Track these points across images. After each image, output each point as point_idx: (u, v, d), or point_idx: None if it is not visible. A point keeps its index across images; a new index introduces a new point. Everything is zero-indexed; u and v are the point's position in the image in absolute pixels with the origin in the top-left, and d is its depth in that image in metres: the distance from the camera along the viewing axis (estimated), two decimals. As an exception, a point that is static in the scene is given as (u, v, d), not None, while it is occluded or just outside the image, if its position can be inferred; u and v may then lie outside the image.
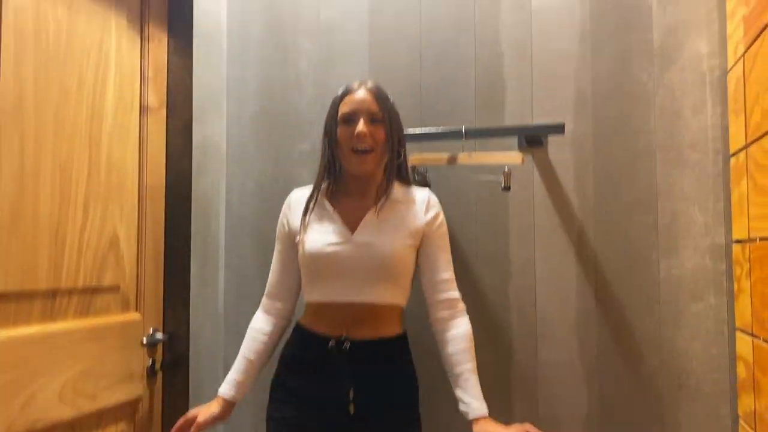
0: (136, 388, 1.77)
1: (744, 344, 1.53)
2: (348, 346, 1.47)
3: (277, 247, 1.64)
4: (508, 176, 1.69)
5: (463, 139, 1.73)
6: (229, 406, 1.55)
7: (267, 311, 1.63)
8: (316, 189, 1.58)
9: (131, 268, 1.77)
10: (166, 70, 1.94)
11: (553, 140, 1.78)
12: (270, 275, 1.64)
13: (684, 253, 1.67)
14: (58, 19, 1.53)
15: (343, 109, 1.54)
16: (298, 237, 1.56)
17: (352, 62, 1.97)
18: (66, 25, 1.56)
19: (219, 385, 1.56)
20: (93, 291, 1.63)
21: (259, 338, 1.59)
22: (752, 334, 1.47)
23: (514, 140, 1.80)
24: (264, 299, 1.64)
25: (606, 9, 1.76)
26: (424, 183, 1.85)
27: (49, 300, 1.49)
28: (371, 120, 1.52)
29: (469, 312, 1.65)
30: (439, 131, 1.79)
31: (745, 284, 1.51)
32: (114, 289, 1.70)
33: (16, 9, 1.41)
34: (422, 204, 1.59)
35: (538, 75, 1.80)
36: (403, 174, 1.62)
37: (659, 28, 1.72)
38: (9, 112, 1.38)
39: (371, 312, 1.50)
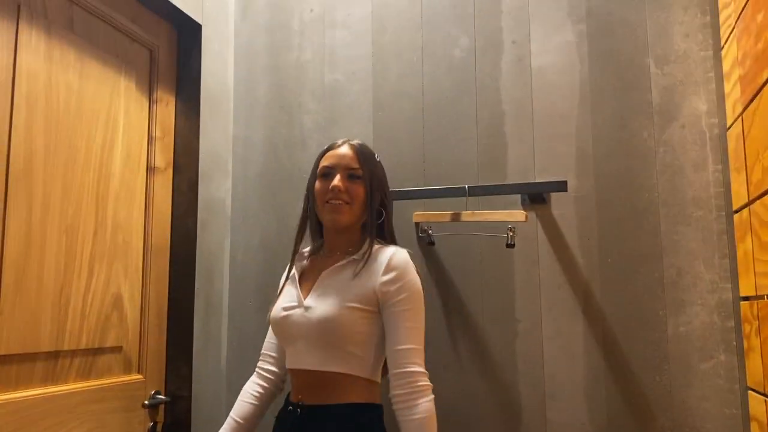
0: (136, 452, 1.73)
1: (757, 404, 1.50)
2: (299, 411, 1.42)
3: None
4: (512, 234, 1.70)
5: (467, 196, 1.74)
6: None
7: (258, 375, 1.61)
8: (294, 251, 1.57)
9: (134, 328, 1.76)
10: (173, 131, 1.97)
11: (556, 197, 1.79)
12: (266, 339, 1.65)
13: (691, 309, 1.66)
14: (69, 84, 1.57)
15: (323, 163, 1.53)
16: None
17: (356, 122, 2.00)
18: (76, 89, 1.59)
19: None
20: (95, 352, 1.61)
21: (246, 400, 1.57)
22: (764, 394, 1.44)
23: (517, 197, 1.82)
24: (258, 362, 1.63)
25: (605, 69, 1.80)
26: (428, 241, 1.86)
27: (51, 362, 1.48)
28: (349, 176, 1.50)
29: (475, 371, 1.62)
30: (442, 189, 1.80)
31: (755, 342, 1.49)
32: (116, 349, 1.69)
33: (29, 74, 1.45)
34: (382, 264, 1.44)
35: (539, 133, 1.83)
36: (385, 235, 1.56)
37: (657, 88, 1.75)
38: (18, 175, 1.40)
39: (324, 380, 1.41)
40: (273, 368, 1.60)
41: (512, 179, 1.83)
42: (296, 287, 1.50)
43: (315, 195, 1.52)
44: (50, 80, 1.51)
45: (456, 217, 1.75)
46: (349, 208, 1.49)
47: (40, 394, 1.43)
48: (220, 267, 2.00)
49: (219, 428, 1.52)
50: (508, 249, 1.76)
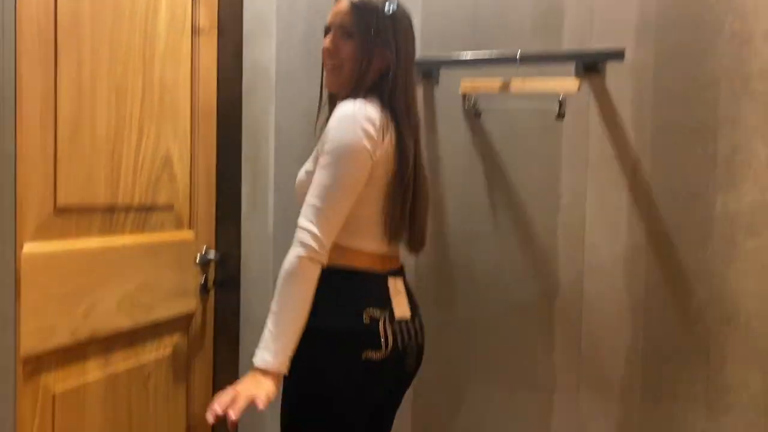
0: (189, 304, 1.84)
1: (800, 282, 1.49)
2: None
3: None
4: (563, 104, 1.65)
5: (518, 64, 1.68)
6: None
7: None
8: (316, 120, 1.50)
9: (184, 188, 1.81)
10: (217, -9, 1.92)
11: (611, 67, 1.71)
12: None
13: (743, 186, 1.61)
14: (111, -65, 1.52)
15: (327, 19, 1.43)
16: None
17: (404, -17, 1.91)
18: (119, -58, 1.55)
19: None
20: (148, 209, 1.68)
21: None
22: (810, 272, 1.42)
23: (570, 67, 1.74)
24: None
25: (677, -74, 1.65)
26: (474, 112, 1.82)
27: (108, 215, 1.55)
28: (341, 34, 1.38)
29: (514, 242, 1.64)
30: (493, 56, 1.74)
31: (807, 220, 1.46)
32: (168, 207, 1.75)
33: (70, -76, 1.41)
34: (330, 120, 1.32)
35: (599, -2, 1.72)
36: (396, 105, 1.37)
37: (734, -53, 1.61)
38: (66, 31, 1.40)
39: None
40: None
41: (567, 46, 1.75)
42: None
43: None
44: (92, -69, 1.47)
45: (505, 87, 1.70)
46: (339, 72, 1.39)
47: (98, 245, 1.51)
48: (266, 132, 2.01)
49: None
50: (557, 121, 1.72)
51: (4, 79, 1.23)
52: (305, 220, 1.27)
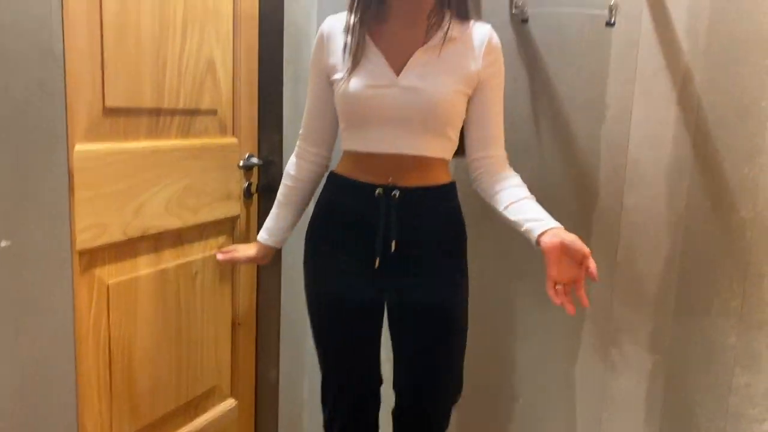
0: (233, 207, 1.90)
1: None
2: (397, 194, 1.37)
3: (311, 85, 1.49)
4: (614, 10, 1.58)
5: (568, -34, 1.61)
6: (264, 249, 1.64)
7: (300, 156, 1.54)
8: (354, 14, 1.36)
9: (227, 93, 1.83)
10: None
11: (668, -29, 1.62)
12: (304, 116, 1.54)
13: (799, 101, 1.55)
14: None
15: None
16: (334, 75, 1.40)
17: None
18: None
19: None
20: (192, 113, 1.71)
21: (289, 184, 1.57)
22: None
23: (624, -30, 1.66)
24: (298, 142, 1.56)
25: None
26: (521, 17, 1.77)
27: (154, 118, 1.59)
28: None
29: (556, 154, 1.62)
30: (543, -42, 1.67)
31: None
32: (212, 112, 1.78)
33: None
34: (481, 44, 1.36)
35: None
36: (460, 5, 1.39)
37: None
38: (108, -72, 1.39)
39: (419, 163, 1.38)
40: (317, 149, 1.53)
41: (622, -51, 1.66)
42: (380, 62, 1.35)
43: None
44: None
45: (554, -10, 1.64)
46: None
47: (146, 146, 1.56)
48: (308, 39, 1.99)
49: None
50: (607, 28, 1.65)
51: (50, -21, 1.24)
52: (503, 150, 1.45)
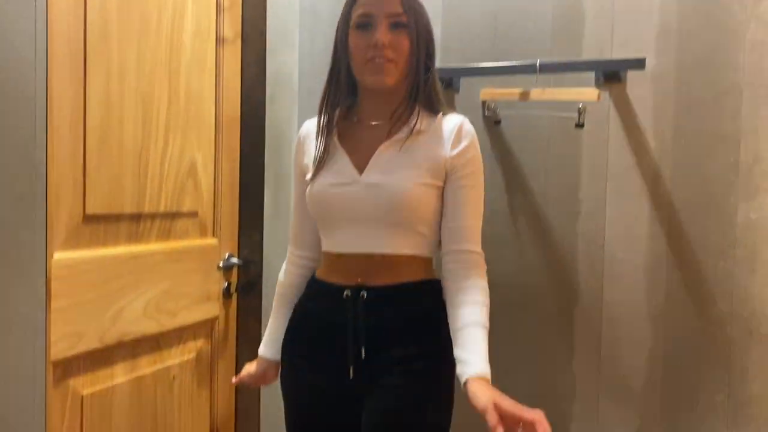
0: (213, 308, 1.88)
1: (823, 293, 1.48)
2: (365, 294, 1.28)
3: (294, 188, 1.47)
4: (582, 113, 1.65)
5: (537, 73, 1.69)
6: (264, 363, 1.47)
7: (289, 260, 1.48)
8: (324, 115, 1.34)
9: (209, 195, 1.85)
10: (241, 1, 1.96)
11: (632, 76, 1.71)
12: (291, 221, 1.52)
13: (765, 196, 1.60)
14: (139, -50, 1.56)
15: (359, 10, 1.28)
16: (307, 176, 1.36)
17: (425, -8, 1.92)
18: (146, -44, 1.59)
19: None
20: (173, 216, 1.72)
21: (280, 290, 1.48)
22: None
23: (590, 76, 1.74)
24: (288, 248, 1.50)
25: (699, -66, 1.64)
26: (494, 119, 1.83)
27: (134, 223, 1.59)
28: (393, 25, 1.26)
29: (534, 250, 1.64)
30: (512, 65, 1.75)
31: (830, 231, 1.45)
32: (193, 214, 1.79)
33: (100, -60, 1.45)
34: (450, 133, 1.30)
35: (619, 5, 1.72)
36: (430, 98, 1.34)
37: (757, -45, 1.60)
38: (95, 43, 1.44)
39: (389, 263, 1.30)
40: (305, 252, 1.46)
41: (587, 56, 1.75)
42: (344, 160, 1.32)
43: (351, 52, 1.29)
44: (120, -54, 1.51)
45: (525, 96, 1.71)
46: (394, 67, 1.27)
47: (125, 251, 1.55)
48: (289, 141, 2.04)
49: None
50: (577, 129, 1.72)
51: (36, 92, 1.27)
52: (479, 247, 1.32)
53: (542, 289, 1.80)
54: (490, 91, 1.77)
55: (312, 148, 1.38)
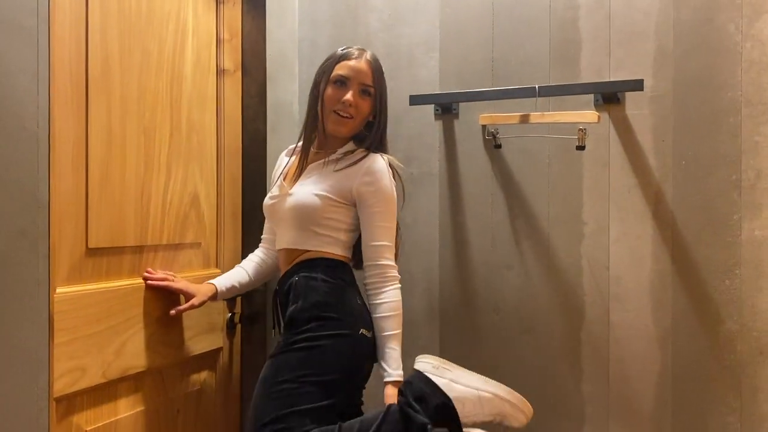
0: (216, 340, 1.87)
1: (832, 310, 1.47)
2: (293, 282, 1.58)
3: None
4: (582, 135, 1.66)
5: (537, 97, 1.70)
6: (206, 288, 1.67)
7: (260, 248, 1.82)
8: (304, 149, 1.66)
9: (211, 226, 1.85)
10: (240, 33, 1.98)
11: (630, 97, 1.72)
12: (265, 224, 1.83)
13: (769, 214, 1.60)
14: (139, -14, 1.58)
15: (339, 71, 1.61)
16: None
17: (422, 20, 1.95)
18: (146, -8, 1.61)
19: None
20: (176, 248, 1.71)
21: (246, 260, 1.80)
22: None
23: (589, 98, 1.76)
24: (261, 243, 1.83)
25: (691, -44, 1.66)
26: (494, 144, 1.84)
27: (137, 255, 1.58)
28: (361, 91, 1.60)
29: (539, 272, 1.63)
30: (511, 89, 1.76)
31: (836, 247, 1.44)
32: (196, 245, 1.79)
33: (100, -23, 1.47)
34: (362, 168, 1.59)
35: (616, 29, 1.74)
36: (378, 144, 1.65)
37: (750, -24, 1.62)
38: (97, 78, 1.45)
39: (296, 256, 1.61)
40: (270, 246, 1.79)
41: (585, 78, 1.76)
42: (284, 179, 1.68)
43: (324, 99, 1.61)
44: (121, -17, 1.53)
45: (525, 119, 1.72)
46: (352, 122, 1.61)
47: (128, 284, 1.54)
48: (290, 169, 2.05)
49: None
50: (577, 151, 1.72)
51: (38, 127, 1.27)
52: (390, 261, 1.58)
53: (548, 312, 1.79)
54: (490, 116, 1.79)
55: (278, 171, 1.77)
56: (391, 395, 1.49)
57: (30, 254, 1.24)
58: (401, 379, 1.51)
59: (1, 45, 1.16)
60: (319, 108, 1.63)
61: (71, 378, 1.36)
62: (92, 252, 1.44)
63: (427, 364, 1.53)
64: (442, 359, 1.54)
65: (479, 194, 1.88)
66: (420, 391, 1.46)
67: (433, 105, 1.92)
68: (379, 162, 1.61)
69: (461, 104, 1.89)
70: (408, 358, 1.57)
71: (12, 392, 1.20)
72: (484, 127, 1.85)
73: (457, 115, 1.90)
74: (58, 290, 1.33)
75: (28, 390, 1.24)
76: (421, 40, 1.94)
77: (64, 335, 1.33)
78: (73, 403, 1.39)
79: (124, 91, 1.53)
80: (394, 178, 1.62)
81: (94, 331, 1.42)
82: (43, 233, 1.28)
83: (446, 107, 1.90)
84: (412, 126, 1.97)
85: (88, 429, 1.43)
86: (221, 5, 1.90)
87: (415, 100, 1.89)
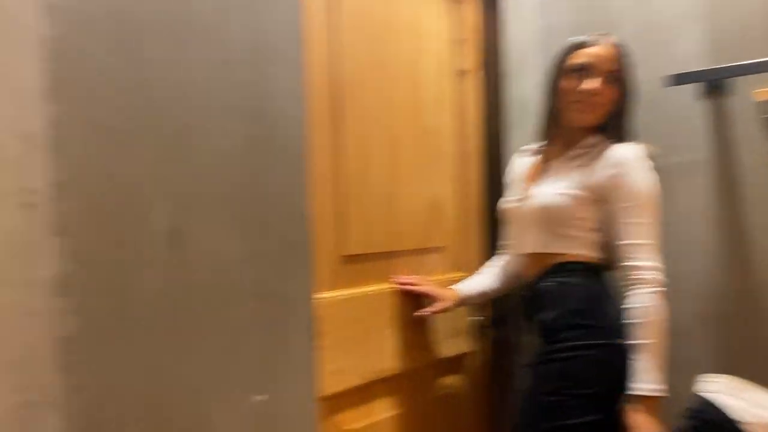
0: (464, 343, 1.85)
1: None
2: (544, 287, 1.50)
3: None
4: None
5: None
6: (450, 294, 1.65)
7: (499, 252, 1.76)
8: (541, 148, 1.60)
9: (455, 230, 1.84)
10: (478, 31, 1.93)
11: None
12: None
13: None
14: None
15: (575, 59, 1.48)
16: None
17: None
18: (386, 5, 1.63)
19: None
20: (421, 252, 1.73)
21: (487, 266, 1.76)
22: None
23: None
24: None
25: None
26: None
27: (386, 261, 1.62)
28: (609, 79, 1.46)
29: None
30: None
31: None
32: (440, 249, 1.79)
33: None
34: (607, 159, 1.46)
35: None
36: (621, 134, 1.51)
37: None
38: (349, 93, 1.49)
39: (546, 260, 1.51)
40: (510, 251, 1.68)
41: None
42: (523, 180, 1.61)
43: (561, 92, 1.51)
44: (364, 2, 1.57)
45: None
46: (598, 111, 1.48)
47: (376, 290, 1.57)
48: (532, 167, 1.95)
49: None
50: None
51: (299, 145, 1.34)
52: (642, 261, 1.41)
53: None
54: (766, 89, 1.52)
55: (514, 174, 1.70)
56: (632, 415, 1.34)
57: (298, 262, 1.31)
58: (648, 394, 1.34)
59: (267, 72, 1.24)
60: (555, 102, 1.54)
61: (334, 380, 1.42)
62: (347, 259, 1.50)
63: (716, 385, 1.35)
64: (735, 377, 1.35)
65: (760, 181, 1.62)
66: (709, 417, 1.29)
67: (696, 84, 1.69)
68: (627, 151, 1.47)
69: (735, 80, 1.63)
70: (676, 374, 1.40)
71: (287, 395, 1.28)
72: (761, 104, 1.59)
73: (728, 94, 1.64)
74: (320, 296, 1.40)
75: (300, 391, 1.31)
76: (680, 11, 1.72)
77: (326, 338, 1.40)
78: (335, 403, 1.45)
79: (372, 102, 1.57)
80: (647, 168, 1.46)
81: (351, 334, 1.47)
82: (305, 242, 1.34)
83: (715, 84, 1.65)
84: (669, 109, 1.76)
85: (347, 429, 1.49)
86: (457, 5, 1.87)
87: (682, 78, 1.68)
